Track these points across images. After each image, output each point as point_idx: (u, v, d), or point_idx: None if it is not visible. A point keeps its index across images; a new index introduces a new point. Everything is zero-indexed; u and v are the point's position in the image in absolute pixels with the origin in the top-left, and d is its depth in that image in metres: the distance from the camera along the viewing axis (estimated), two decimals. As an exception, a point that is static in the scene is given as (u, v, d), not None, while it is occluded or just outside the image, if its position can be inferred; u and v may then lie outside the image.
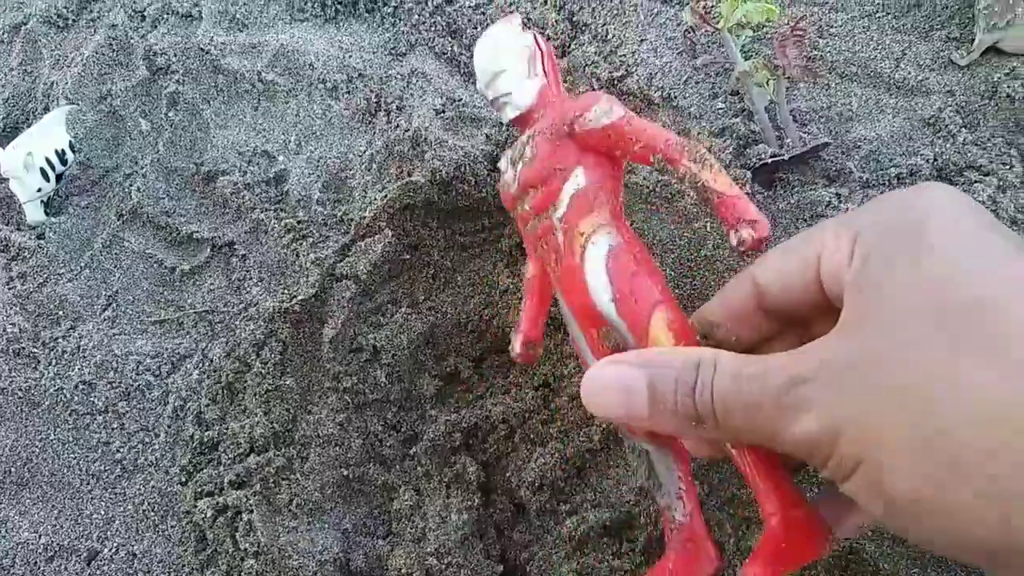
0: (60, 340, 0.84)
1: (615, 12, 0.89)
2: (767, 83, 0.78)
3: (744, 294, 0.50)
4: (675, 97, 0.83)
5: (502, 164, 0.62)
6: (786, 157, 0.76)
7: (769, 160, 0.76)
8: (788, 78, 0.77)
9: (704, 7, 0.83)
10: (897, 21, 0.84)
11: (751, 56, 0.82)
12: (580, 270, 0.55)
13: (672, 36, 0.87)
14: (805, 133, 0.79)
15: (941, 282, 0.38)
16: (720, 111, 0.81)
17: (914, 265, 0.39)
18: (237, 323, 0.82)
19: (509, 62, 0.60)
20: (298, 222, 0.85)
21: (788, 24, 0.77)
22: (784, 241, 0.49)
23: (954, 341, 0.36)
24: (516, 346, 0.65)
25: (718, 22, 0.78)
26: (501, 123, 0.84)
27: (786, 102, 0.78)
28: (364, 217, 0.81)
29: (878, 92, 0.81)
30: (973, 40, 0.80)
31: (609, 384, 0.47)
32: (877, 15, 0.85)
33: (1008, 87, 0.77)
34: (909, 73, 0.81)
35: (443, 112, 0.87)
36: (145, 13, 0.99)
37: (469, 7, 0.92)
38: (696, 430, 0.44)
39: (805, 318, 0.48)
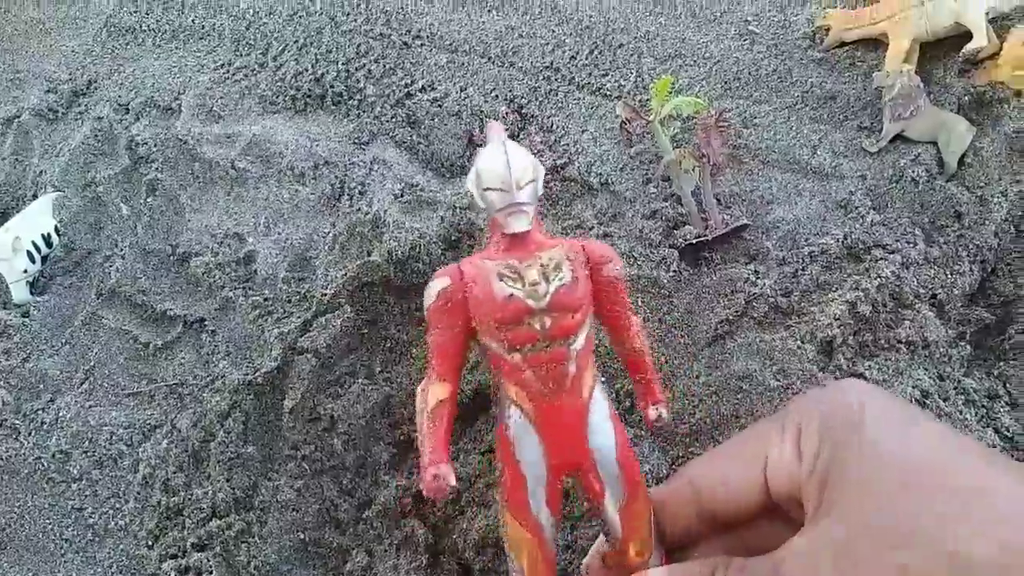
0: (40, 412, 0.89)
1: (559, 105, 0.97)
2: (693, 170, 0.85)
3: (681, 497, 0.55)
4: (612, 183, 0.90)
5: (531, 274, 0.56)
6: (710, 237, 0.83)
7: (695, 240, 0.83)
8: (713, 165, 0.85)
9: (638, 102, 0.91)
10: (815, 112, 0.92)
11: (680, 145, 0.89)
12: (584, 409, 0.55)
13: (610, 127, 0.94)
14: (728, 215, 0.86)
15: (885, 480, 0.44)
16: (652, 195, 0.89)
17: (860, 460, 0.44)
18: (204, 395, 0.87)
19: (538, 176, 0.58)
20: (264, 299, 0.91)
21: (712, 116, 0.84)
22: (719, 446, 0.55)
23: (896, 532, 0.42)
24: (435, 477, 0.54)
25: (650, 115, 0.85)
26: (455, 207, 0.90)
27: (711, 187, 0.85)
28: (325, 294, 0.88)
29: (796, 177, 0.88)
30: (881, 129, 0.88)
31: None
32: (796, 107, 0.93)
33: (913, 171, 0.84)
34: (825, 159, 0.89)
35: (401, 196, 0.94)
36: (129, 106, 1.07)
37: (427, 100, 1.00)
38: None
39: (740, 520, 0.53)
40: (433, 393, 0.57)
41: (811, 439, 0.47)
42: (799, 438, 0.48)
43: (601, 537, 0.59)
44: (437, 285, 0.56)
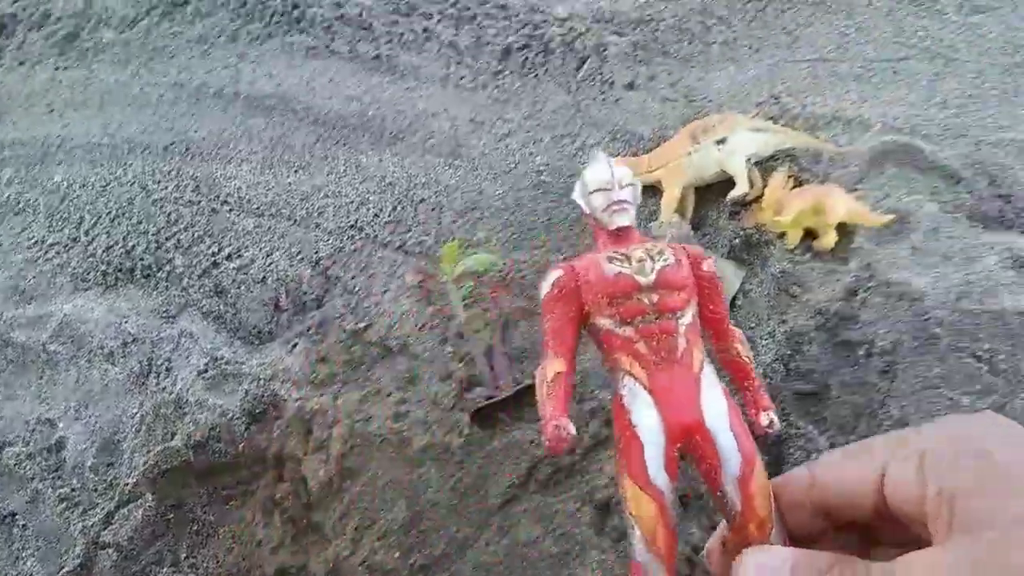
0: None
1: (362, 265, 0.99)
2: (485, 328, 0.87)
3: (800, 489, 0.54)
4: (411, 345, 0.91)
5: (638, 254, 0.60)
6: (499, 399, 0.85)
7: (485, 403, 0.85)
8: (505, 322, 0.87)
9: (428, 265, 0.93)
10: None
11: (476, 302, 0.91)
12: (696, 379, 0.58)
13: (412, 285, 0.96)
14: (520, 372, 0.87)
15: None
16: (448, 355, 0.90)
17: (995, 482, 0.44)
18: (8, 600, 0.86)
19: (636, 184, 0.62)
20: (72, 490, 0.90)
21: (501, 272, 0.86)
22: (838, 449, 0.54)
23: None
24: (556, 427, 0.55)
25: (442, 276, 0.87)
26: (259, 378, 0.91)
27: (502, 346, 0.87)
28: (128, 484, 0.87)
29: (588, 326, 0.90)
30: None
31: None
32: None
33: (692, 317, 0.87)
34: (614, 307, 0.91)
35: (206, 372, 0.94)
36: (-61, 293, 1.07)
37: (233, 268, 1.01)
38: None
39: (853, 521, 0.53)
40: (551, 367, 0.58)
41: (938, 460, 0.47)
42: (923, 457, 0.47)
43: (722, 523, 0.59)
44: (552, 276, 0.59)
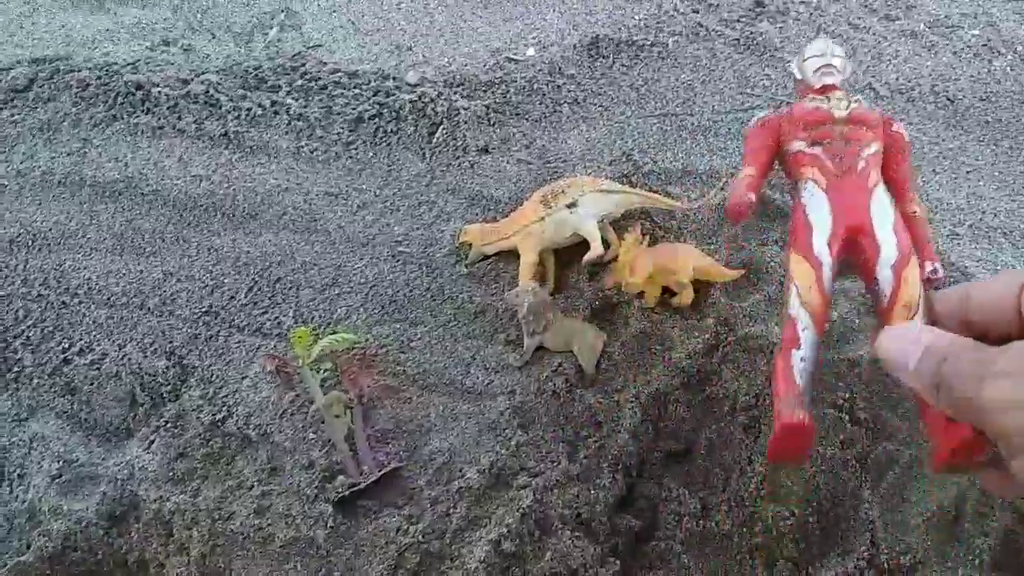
0: None
1: (219, 351, 0.96)
2: (345, 413, 0.85)
3: (954, 301, 0.62)
4: (271, 433, 0.89)
5: (837, 95, 0.76)
6: (362, 486, 0.83)
7: (349, 491, 0.83)
8: (366, 402, 0.85)
9: (286, 348, 0.91)
10: (467, 328, 0.94)
11: (334, 386, 0.89)
12: (869, 192, 0.70)
13: (270, 371, 0.94)
14: (384, 454, 0.86)
15: None
16: (311, 442, 0.88)
17: None
18: None
19: (847, 61, 0.79)
20: (-82, 617, 0.85)
21: (354, 354, 0.85)
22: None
23: None
24: (739, 197, 0.74)
25: (297, 361, 0.85)
26: (116, 479, 0.87)
27: (363, 428, 0.85)
28: (-21, 607, 0.82)
29: (453, 400, 0.90)
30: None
31: (903, 344, 0.58)
32: (450, 324, 0.95)
33: (554, 383, 0.87)
34: (478, 378, 0.90)
35: (60, 476, 0.90)
36: None
37: (85, 364, 0.97)
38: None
39: (1000, 335, 0.58)
40: (743, 172, 0.75)
41: None
42: None
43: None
44: (759, 115, 0.77)
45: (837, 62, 0.78)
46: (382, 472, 0.84)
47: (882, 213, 0.69)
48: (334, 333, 0.91)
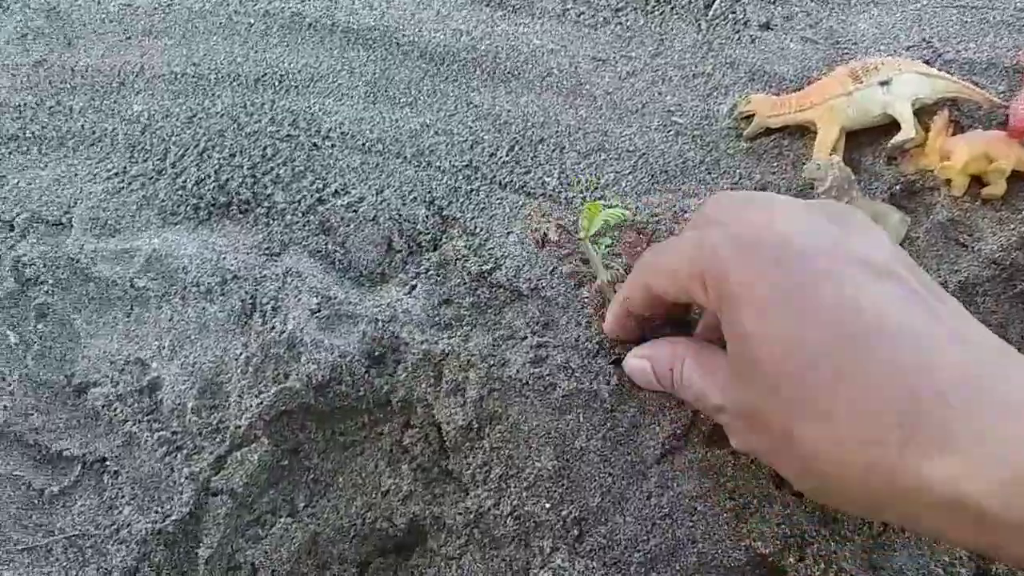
0: (-82, 575, 0.79)
1: (482, 206, 0.92)
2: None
3: (639, 287, 0.67)
4: (542, 288, 0.85)
5: None
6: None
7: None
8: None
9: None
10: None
11: (610, 267, 0.85)
12: None
13: (535, 228, 0.90)
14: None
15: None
16: (584, 300, 0.84)
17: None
18: (109, 547, 0.79)
19: None
20: (172, 433, 0.84)
21: (634, 227, 0.81)
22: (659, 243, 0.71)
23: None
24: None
25: (578, 233, 0.82)
26: (377, 320, 0.85)
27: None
28: (240, 426, 0.81)
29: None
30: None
31: (634, 371, 0.74)
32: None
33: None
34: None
35: (318, 312, 0.87)
36: (13, 223, 0.99)
37: (341, 205, 0.94)
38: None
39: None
40: None
41: (716, 284, 0.55)
42: (703, 278, 0.56)
43: None
44: None
45: None
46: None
47: None
48: (605, 203, 0.87)
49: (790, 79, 0.96)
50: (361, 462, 0.83)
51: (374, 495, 0.81)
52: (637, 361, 0.72)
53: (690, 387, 0.64)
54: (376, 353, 0.84)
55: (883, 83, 0.85)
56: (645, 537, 0.72)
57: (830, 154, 0.86)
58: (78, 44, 1.13)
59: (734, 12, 1.03)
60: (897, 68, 0.86)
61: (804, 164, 0.86)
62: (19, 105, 1.09)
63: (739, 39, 1.01)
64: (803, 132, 0.91)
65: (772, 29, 1.01)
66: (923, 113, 0.88)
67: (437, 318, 0.85)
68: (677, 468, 0.74)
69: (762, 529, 0.70)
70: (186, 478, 0.79)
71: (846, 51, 0.97)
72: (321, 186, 0.96)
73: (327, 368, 0.81)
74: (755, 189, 0.89)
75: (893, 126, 0.86)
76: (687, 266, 0.57)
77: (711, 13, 1.03)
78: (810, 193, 0.86)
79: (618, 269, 0.83)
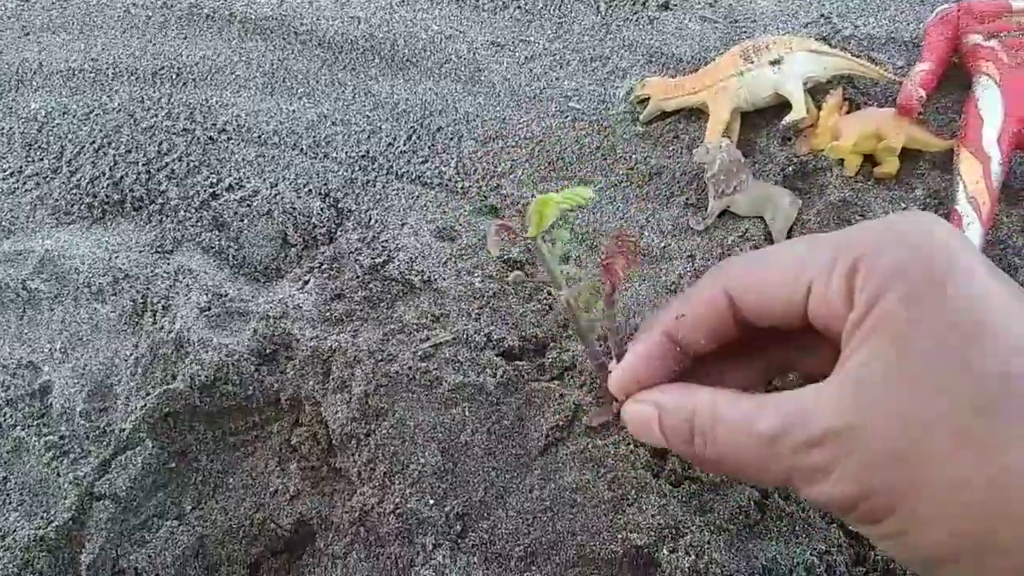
0: None
1: (377, 197, 0.91)
2: (596, 305, 0.74)
3: (711, 301, 0.47)
4: (434, 280, 0.84)
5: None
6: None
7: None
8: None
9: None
10: (641, 190, 0.88)
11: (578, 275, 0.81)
12: None
13: (431, 218, 0.89)
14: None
15: (970, 347, 0.36)
16: (476, 290, 0.83)
17: (938, 325, 0.37)
18: (-9, 555, 0.77)
19: None
20: (60, 438, 0.82)
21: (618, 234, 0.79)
22: (757, 252, 0.46)
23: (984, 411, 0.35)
24: (910, 92, 0.80)
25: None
26: (268, 316, 0.83)
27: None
28: (124, 429, 0.79)
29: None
30: (707, 206, 0.84)
31: (634, 420, 0.50)
32: (622, 185, 0.89)
33: (741, 250, 0.81)
34: (653, 240, 0.85)
35: (208, 310, 0.86)
36: (-95, 225, 0.97)
37: (235, 200, 0.93)
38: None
39: (779, 332, 0.46)
40: (917, 67, 0.81)
41: (872, 283, 0.39)
42: (853, 277, 0.39)
43: None
44: (938, 9, 0.81)
45: None
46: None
47: None
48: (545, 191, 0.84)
49: (688, 60, 0.95)
50: (251, 462, 0.81)
51: (263, 495, 0.80)
52: (639, 407, 0.50)
53: (727, 435, 0.44)
54: (267, 351, 0.82)
55: (774, 63, 0.84)
56: (526, 531, 0.71)
57: (723, 136, 0.85)
58: (-26, 41, 1.11)
59: (633, -8, 1.02)
60: (788, 47, 0.85)
61: (695, 150, 0.85)
62: (-86, 105, 1.07)
63: (637, 20, 0.99)
64: (699, 115, 0.90)
65: (671, 9, 1.00)
66: (818, 92, 0.87)
67: (328, 313, 0.84)
68: (560, 460, 0.73)
69: (638, 520, 0.69)
70: (70, 483, 0.78)
71: (745, 30, 0.96)
72: (215, 180, 0.94)
73: (212, 368, 0.79)
74: (651, 174, 0.88)
75: (788, 106, 0.85)
76: (823, 257, 0.41)
77: (610, -7, 1.02)
78: (703, 178, 0.85)
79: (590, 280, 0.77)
